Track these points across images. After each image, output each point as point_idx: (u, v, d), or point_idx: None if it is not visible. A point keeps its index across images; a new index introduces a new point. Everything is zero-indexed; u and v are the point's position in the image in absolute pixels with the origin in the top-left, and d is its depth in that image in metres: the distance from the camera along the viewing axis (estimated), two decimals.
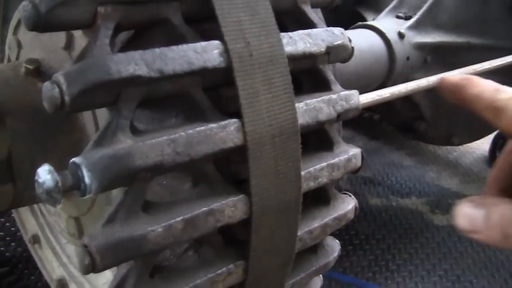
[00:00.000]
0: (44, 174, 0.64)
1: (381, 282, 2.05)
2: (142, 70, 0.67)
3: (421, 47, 1.75)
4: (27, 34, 1.13)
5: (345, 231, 2.32)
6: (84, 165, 0.65)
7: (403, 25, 1.75)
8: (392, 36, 1.67)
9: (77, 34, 0.96)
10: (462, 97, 0.68)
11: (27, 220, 1.46)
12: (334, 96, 0.89)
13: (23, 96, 1.00)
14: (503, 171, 0.67)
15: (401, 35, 1.70)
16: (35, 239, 1.44)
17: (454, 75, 0.70)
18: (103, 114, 0.93)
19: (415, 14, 1.81)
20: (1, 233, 2.32)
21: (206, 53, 0.73)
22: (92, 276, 1.33)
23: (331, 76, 0.92)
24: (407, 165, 2.93)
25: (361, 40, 1.64)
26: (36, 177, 0.65)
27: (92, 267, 0.67)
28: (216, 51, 0.74)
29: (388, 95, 1.05)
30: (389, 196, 2.63)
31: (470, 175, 2.87)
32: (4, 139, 0.97)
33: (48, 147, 1.01)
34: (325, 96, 0.88)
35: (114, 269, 1.21)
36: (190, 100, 0.75)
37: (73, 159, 0.66)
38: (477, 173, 2.89)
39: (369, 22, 1.75)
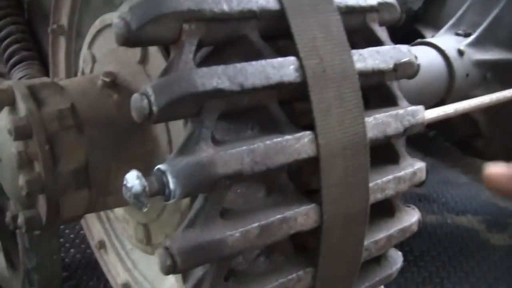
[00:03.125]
0: (133, 179, 0.68)
1: None
2: (224, 83, 0.71)
3: (480, 64, 1.75)
4: (101, 48, 1.19)
5: (399, 247, 2.30)
6: (169, 171, 0.69)
7: (462, 42, 1.76)
8: (451, 53, 1.68)
9: (152, 49, 1.01)
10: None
11: (94, 226, 1.51)
12: (401, 111, 0.92)
13: (100, 107, 1.06)
14: None
15: (460, 52, 1.70)
16: (101, 245, 1.50)
17: (500, 171, 0.62)
18: (175, 125, 0.98)
19: (474, 31, 1.81)
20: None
21: (283, 68, 0.76)
22: (156, 281, 1.37)
23: (398, 92, 0.95)
24: (462, 182, 2.90)
25: (421, 57, 1.64)
26: (124, 182, 0.69)
27: (173, 268, 0.71)
28: (292, 67, 0.77)
29: (452, 111, 1.07)
30: (444, 213, 2.61)
31: None
32: (82, 146, 1.02)
33: (122, 156, 1.06)
34: (393, 111, 0.91)
35: (178, 275, 1.26)
36: (266, 113, 0.78)
37: (158, 166, 0.70)
38: None
39: (429, 39, 1.76)
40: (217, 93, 0.71)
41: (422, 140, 3.02)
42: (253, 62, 0.75)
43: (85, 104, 1.06)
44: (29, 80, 1.08)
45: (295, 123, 0.81)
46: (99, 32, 1.18)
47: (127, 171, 1.06)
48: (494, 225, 2.50)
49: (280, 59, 0.77)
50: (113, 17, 1.11)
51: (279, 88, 0.77)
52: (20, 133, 0.98)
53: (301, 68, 0.78)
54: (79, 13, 1.37)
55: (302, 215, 0.78)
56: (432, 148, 3.06)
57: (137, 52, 1.05)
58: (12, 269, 1.97)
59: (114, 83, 1.08)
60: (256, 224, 0.74)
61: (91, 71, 1.24)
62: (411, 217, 0.98)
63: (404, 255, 2.22)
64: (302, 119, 0.81)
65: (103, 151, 1.05)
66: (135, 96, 0.70)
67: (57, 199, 1.02)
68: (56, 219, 1.04)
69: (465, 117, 1.90)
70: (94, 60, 1.23)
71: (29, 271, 1.80)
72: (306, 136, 0.77)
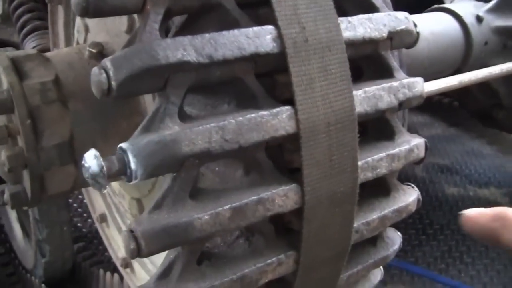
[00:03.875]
0: (90, 159, 0.64)
1: (453, 275, 1.98)
2: (190, 55, 0.66)
3: (500, 31, 1.66)
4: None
5: (419, 220, 2.25)
6: (130, 150, 0.64)
7: (481, 8, 1.67)
8: (469, 19, 1.60)
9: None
10: (496, 242, 0.60)
11: (95, 199, 1.49)
12: (395, 84, 0.85)
13: (86, 79, 1.01)
14: None
15: (479, 19, 1.62)
16: (102, 218, 1.48)
17: (480, 211, 0.63)
18: None
19: None
20: (79, 210, 2.39)
21: (259, 38, 0.71)
22: (154, 256, 1.34)
23: (393, 63, 0.89)
24: (487, 153, 2.81)
25: (436, 23, 1.57)
26: (82, 162, 0.65)
27: (137, 252, 0.67)
28: (269, 36, 0.72)
29: (456, 83, 1.00)
30: (467, 185, 2.53)
31: None
32: (66, 121, 0.98)
33: (109, 130, 1.02)
34: (386, 84, 0.84)
35: None
36: (242, 86, 0.73)
37: (120, 144, 0.66)
38: None
39: (446, 5, 1.68)
40: (183, 66, 0.66)
41: (446, 109, 2.94)
42: (225, 32, 0.69)
43: (70, 77, 1.02)
44: (14, 52, 1.04)
45: (276, 97, 0.75)
46: None
47: (115, 146, 1.03)
48: None
49: (256, 28, 0.71)
50: None
51: (255, 60, 0.71)
52: (1, 107, 0.95)
53: (279, 37, 0.72)
54: None
55: (280, 196, 0.73)
56: (456, 118, 2.97)
57: (124, 21, 1.00)
58: (28, 239, 1.99)
59: (101, 54, 1.04)
60: (227, 206, 0.69)
61: (85, 41, 1.20)
62: (408, 197, 0.92)
63: (424, 229, 2.19)
64: (284, 93, 0.75)
65: (89, 125, 1.02)
66: (94, 70, 0.65)
67: (41, 175, 0.98)
68: (42, 195, 1.01)
69: (484, 87, 1.82)
70: (87, 30, 1.19)
71: (40, 242, 1.81)
72: (284, 112, 0.72)
